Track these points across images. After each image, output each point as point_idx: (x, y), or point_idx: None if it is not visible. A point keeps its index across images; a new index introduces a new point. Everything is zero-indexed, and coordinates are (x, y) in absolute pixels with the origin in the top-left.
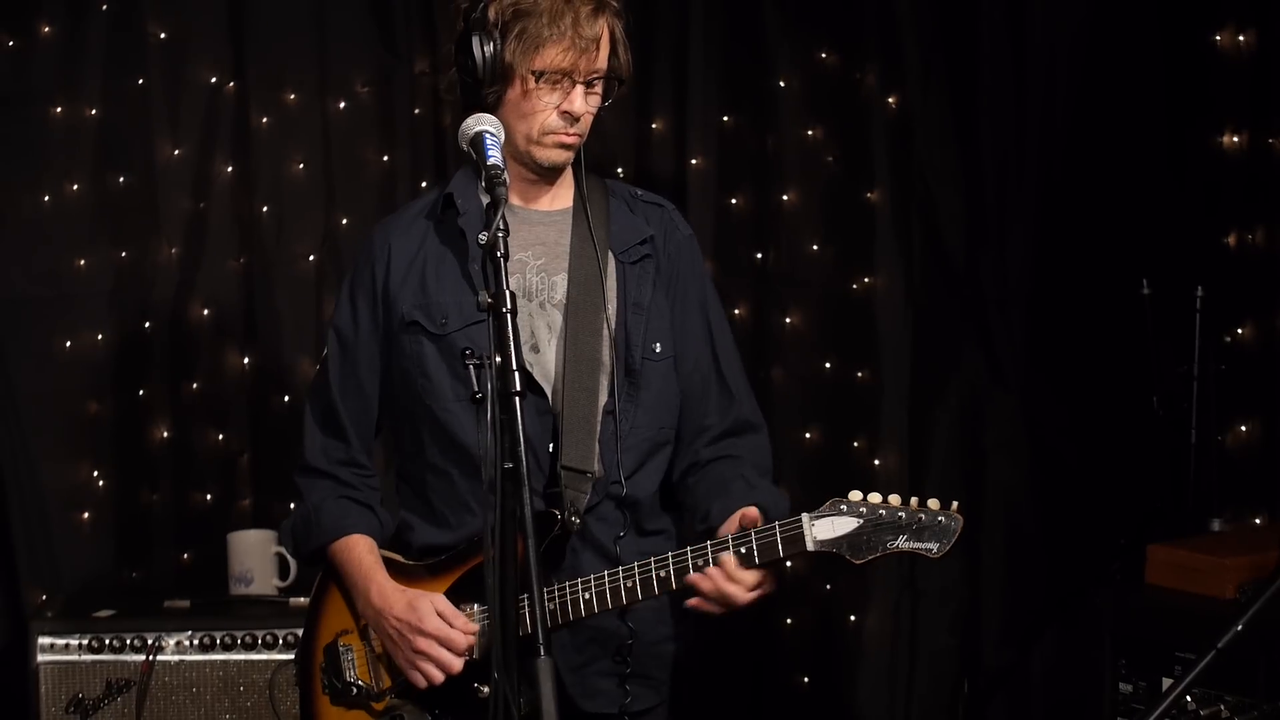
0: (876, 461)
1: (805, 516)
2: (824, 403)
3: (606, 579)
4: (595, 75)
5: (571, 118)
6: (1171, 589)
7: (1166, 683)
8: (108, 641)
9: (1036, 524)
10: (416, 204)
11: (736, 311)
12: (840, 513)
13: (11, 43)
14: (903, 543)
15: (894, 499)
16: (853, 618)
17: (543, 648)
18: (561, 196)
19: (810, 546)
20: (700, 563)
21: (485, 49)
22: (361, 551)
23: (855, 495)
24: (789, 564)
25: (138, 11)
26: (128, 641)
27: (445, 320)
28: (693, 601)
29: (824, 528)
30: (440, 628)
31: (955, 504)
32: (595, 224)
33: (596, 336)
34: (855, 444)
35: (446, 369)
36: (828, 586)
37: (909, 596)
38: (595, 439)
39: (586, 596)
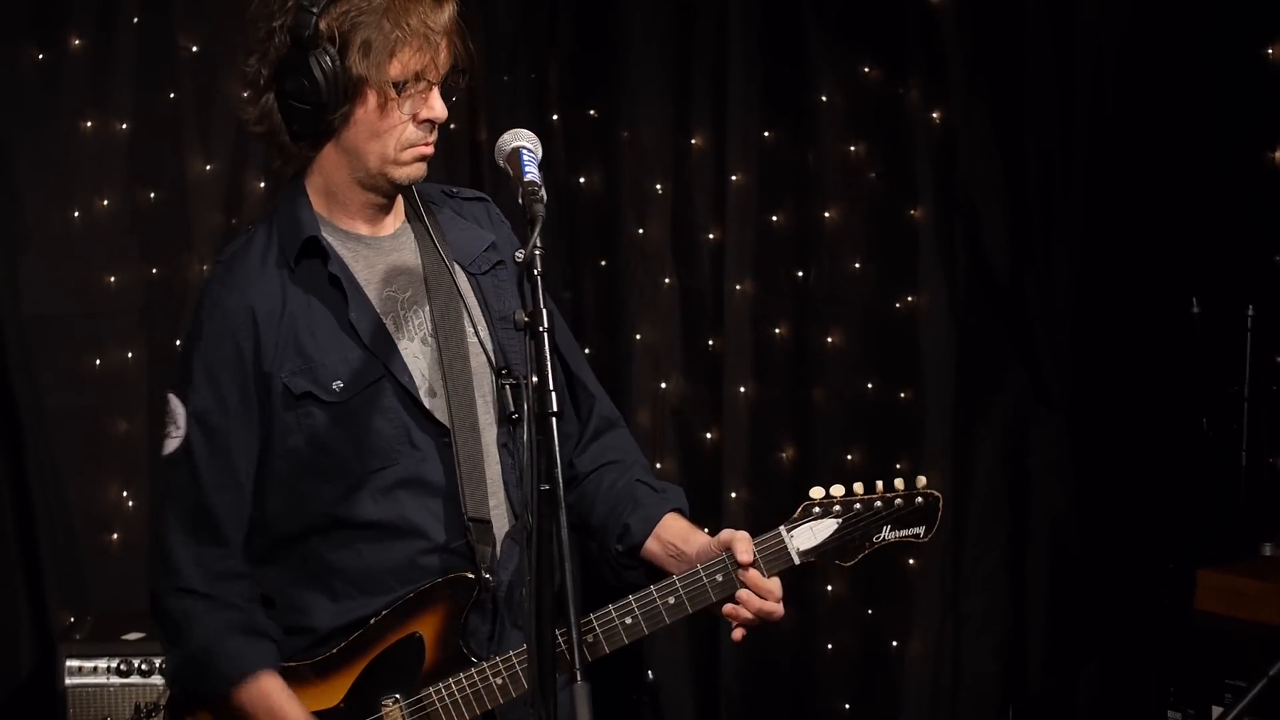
0: (920, 477)
1: (782, 529)
2: (866, 423)
3: (647, 599)
4: (446, 71)
5: (431, 125)
6: (1221, 615)
7: (1216, 711)
8: (136, 664)
9: (1082, 547)
10: (249, 251)
11: (777, 331)
12: (815, 516)
13: (41, 56)
14: (889, 534)
15: (858, 487)
16: (894, 643)
17: (579, 673)
18: (396, 213)
19: (796, 560)
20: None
21: (326, 69)
22: (278, 700)
23: (817, 492)
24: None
25: (169, 25)
26: (157, 665)
27: (340, 384)
28: (737, 635)
29: (804, 536)
30: None
31: (922, 479)
32: (436, 238)
33: (466, 363)
34: (898, 465)
35: (348, 439)
36: (869, 611)
37: (952, 621)
38: (486, 481)
39: (628, 621)
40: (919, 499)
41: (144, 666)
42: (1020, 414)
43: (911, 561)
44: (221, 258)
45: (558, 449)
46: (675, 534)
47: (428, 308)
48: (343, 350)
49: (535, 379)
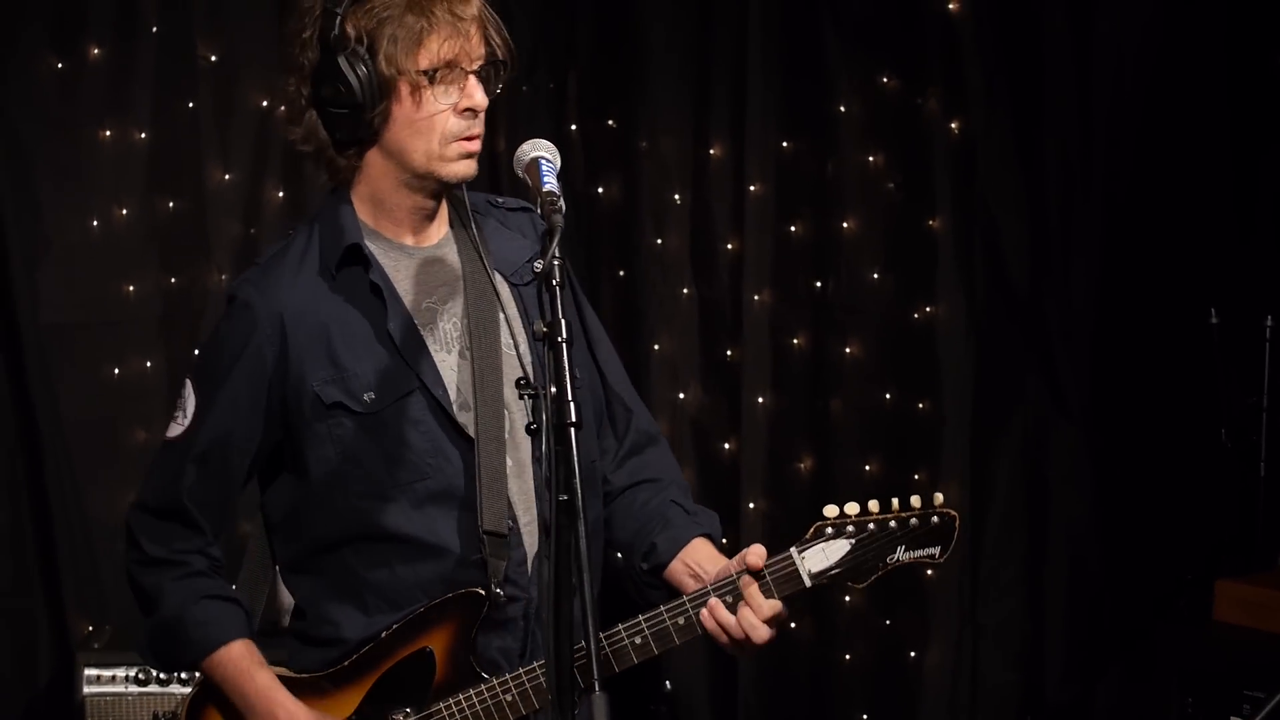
0: (937, 494)
1: (793, 550)
2: (884, 434)
3: (656, 619)
4: (481, 61)
5: (473, 113)
6: (1240, 626)
7: None
8: (155, 673)
9: (1101, 557)
10: (285, 256)
11: (795, 341)
12: (827, 537)
13: (60, 64)
14: (903, 554)
15: (873, 506)
16: (912, 653)
17: (597, 683)
18: (440, 221)
19: (808, 583)
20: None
21: (358, 69)
22: (248, 665)
23: (831, 511)
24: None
25: (188, 34)
26: (175, 673)
27: (372, 395)
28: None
29: (816, 558)
30: None
31: (939, 497)
32: (480, 247)
33: (498, 374)
34: (916, 476)
35: (379, 451)
36: (887, 622)
37: (970, 631)
38: (505, 496)
39: (637, 641)
40: (935, 518)
41: (162, 675)
42: (1038, 424)
43: (929, 572)
44: (259, 260)
45: (576, 459)
46: (701, 558)
47: (465, 320)
48: (377, 360)
49: (554, 389)
